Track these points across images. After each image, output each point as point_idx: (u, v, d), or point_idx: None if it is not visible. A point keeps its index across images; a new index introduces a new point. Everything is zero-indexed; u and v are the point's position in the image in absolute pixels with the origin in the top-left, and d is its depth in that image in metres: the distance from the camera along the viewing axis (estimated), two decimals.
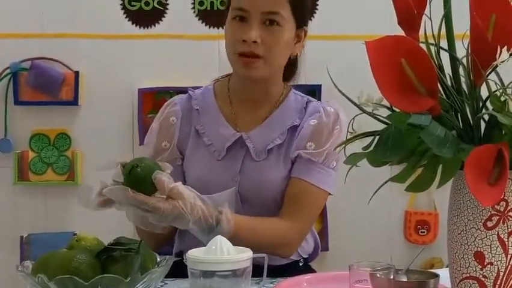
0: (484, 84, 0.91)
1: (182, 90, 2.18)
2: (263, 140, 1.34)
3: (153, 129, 1.39)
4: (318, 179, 1.31)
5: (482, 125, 0.94)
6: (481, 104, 0.93)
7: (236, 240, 1.07)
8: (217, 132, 1.35)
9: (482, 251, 0.92)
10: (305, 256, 1.42)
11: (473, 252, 0.92)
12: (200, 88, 1.44)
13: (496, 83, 0.92)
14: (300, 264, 1.41)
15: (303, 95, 1.42)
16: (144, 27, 2.24)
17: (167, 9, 2.24)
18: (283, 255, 1.32)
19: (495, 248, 0.92)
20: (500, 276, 0.92)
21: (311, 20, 2.20)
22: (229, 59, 1.33)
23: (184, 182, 1.38)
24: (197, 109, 1.38)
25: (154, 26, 2.24)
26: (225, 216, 1.17)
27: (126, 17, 2.23)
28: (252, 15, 1.28)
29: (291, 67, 1.40)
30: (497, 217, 0.91)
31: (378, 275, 0.95)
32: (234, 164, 1.33)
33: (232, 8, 1.31)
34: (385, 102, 0.93)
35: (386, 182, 0.95)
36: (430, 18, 0.93)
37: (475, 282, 0.93)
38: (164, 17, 2.24)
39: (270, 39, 1.28)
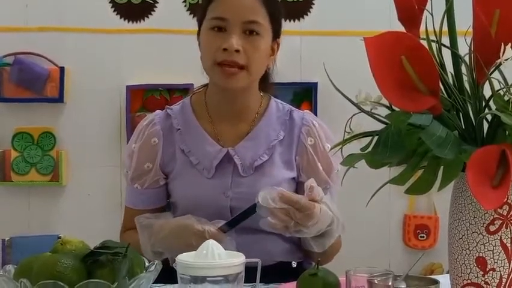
0: (487, 82, 0.90)
1: (171, 88, 2.19)
2: (250, 156, 1.34)
3: (132, 151, 1.38)
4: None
5: (485, 125, 0.93)
6: (483, 104, 0.92)
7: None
8: (204, 151, 1.35)
9: (484, 256, 0.91)
10: (298, 260, 1.41)
11: (475, 257, 0.91)
12: (177, 104, 1.43)
13: (499, 82, 0.91)
14: (294, 266, 1.39)
15: (283, 103, 1.42)
16: (133, 22, 2.22)
17: (157, 2, 2.23)
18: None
19: (498, 254, 0.91)
20: (503, 283, 0.91)
21: (303, 17, 2.23)
22: (207, 70, 1.32)
23: (169, 202, 1.40)
24: (178, 129, 1.37)
25: (144, 20, 2.21)
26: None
27: (114, 11, 2.21)
28: (232, 24, 1.27)
29: (264, 80, 1.40)
30: (500, 221, 0.91)
31: (376, 281, 0.94)
32: (224, 180, 1.33)
33: (209, 17, 1.30)
34: (384, 101, 0.93)
35: (384, 184, 0.94)
36: (432, 14, 0.92)
37: None
38: (154, 11, 2.22)
39: (251, 49, 1.28)
